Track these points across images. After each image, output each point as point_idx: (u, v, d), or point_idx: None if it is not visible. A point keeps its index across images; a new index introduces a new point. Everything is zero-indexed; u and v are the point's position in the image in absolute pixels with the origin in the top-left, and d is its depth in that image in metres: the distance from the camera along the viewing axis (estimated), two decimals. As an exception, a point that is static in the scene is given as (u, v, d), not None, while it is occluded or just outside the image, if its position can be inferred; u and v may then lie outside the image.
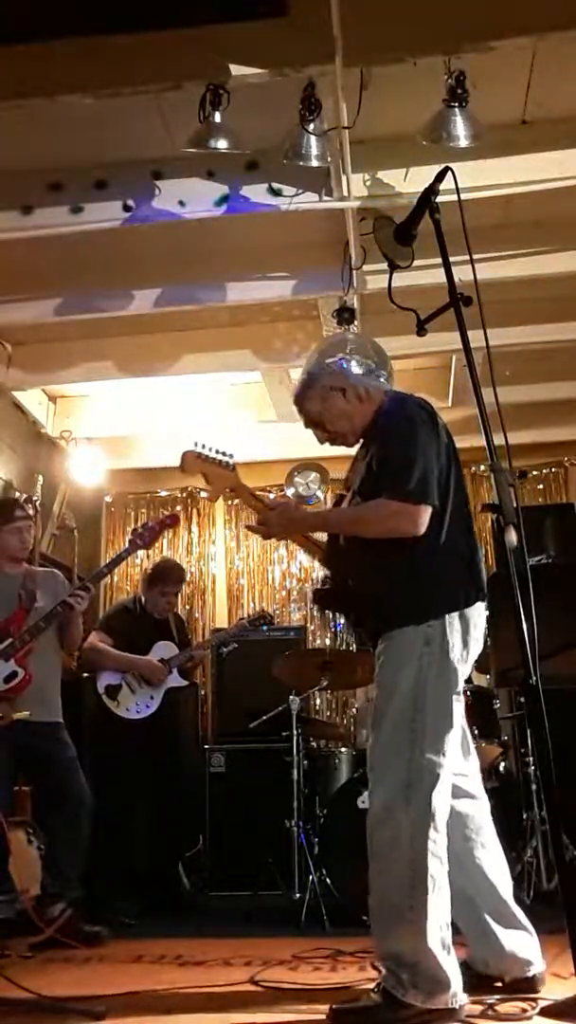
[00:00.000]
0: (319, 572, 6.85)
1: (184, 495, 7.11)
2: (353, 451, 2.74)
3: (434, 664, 2.35)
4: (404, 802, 2.28)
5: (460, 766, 2.52)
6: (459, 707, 2.41)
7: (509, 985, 2.45)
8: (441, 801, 2.31)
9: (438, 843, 2.28)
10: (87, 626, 4.40)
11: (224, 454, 2.71)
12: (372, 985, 2.35)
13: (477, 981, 2.41)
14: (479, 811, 2.59)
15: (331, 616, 6.79)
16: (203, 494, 7.03)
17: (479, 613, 2.47)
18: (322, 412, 2.64)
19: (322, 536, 2.75)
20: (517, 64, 3.52)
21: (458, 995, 2.22)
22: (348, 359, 2.65)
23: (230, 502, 7.09)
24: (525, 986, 2.43)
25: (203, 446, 2.71)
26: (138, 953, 3.40)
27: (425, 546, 2.40)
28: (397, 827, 2.28)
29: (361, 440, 2.68)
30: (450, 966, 2.23)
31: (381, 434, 2.53)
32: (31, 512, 4.36)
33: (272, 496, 3.18)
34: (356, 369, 2.63)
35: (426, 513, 2.37)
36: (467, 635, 2.41)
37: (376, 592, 2.49)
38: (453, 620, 2.39)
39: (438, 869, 2.26)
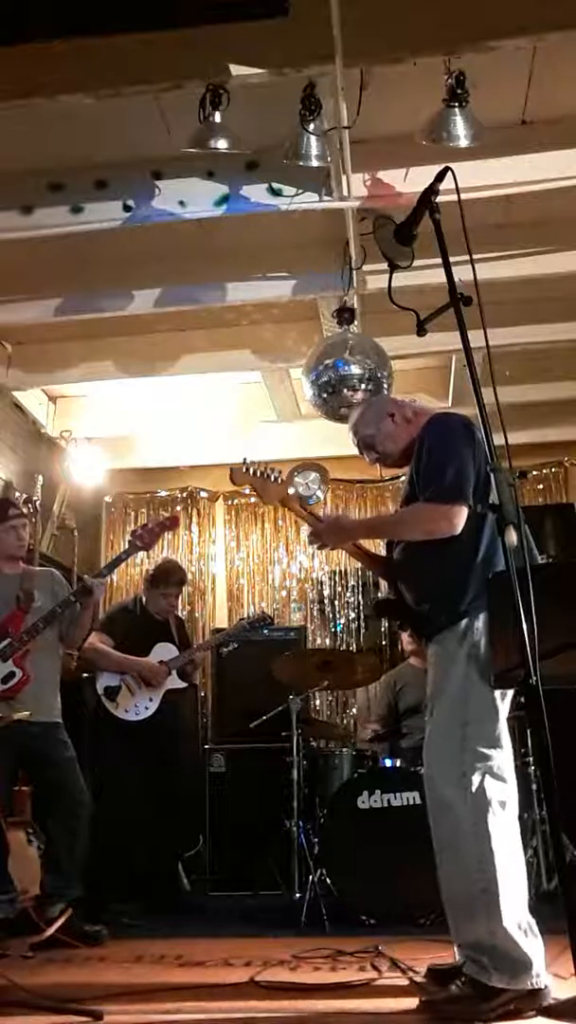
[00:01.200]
0: (319, 573, 6.86)
1: (184, 495, 7.10)
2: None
3: (477, 662, 2.47)
4: (461, 792, 2.38)
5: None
6: (506, 700, 2.52)
7: None
8: (496, 790, 2.39)
9: (499, 827, 2.36)
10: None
11: (273, 471, 2.89)
12: (458, 979, 2.38)
13: None
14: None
15: (331, 616, 6.81)
16: (203, 494, 7.04)
17: None
18: (375, 435, 2.85)
19: (374, 547, 2.99)
20: (517, 64, 3.52)
21: (541, 975, 2.28)
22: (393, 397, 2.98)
23: (230, 501, 7.10)
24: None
25: (252, 463, 2.88)
26: (138, 953, 3.40)
27: (465, 547, 2.53)
28: (456, 818, 2.38)
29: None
30: (530, 947, 2.29)
31: (420, 448, 2.69)
32: (25, 510, 4.35)
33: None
34: (401, 399, 2.93)
35: (461, 512, 2.50)
36: None
37: (425, 595, 2.65)
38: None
39: (505, 852, 2.34)
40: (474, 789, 2.38)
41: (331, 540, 2.82)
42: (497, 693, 2.48)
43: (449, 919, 2.44)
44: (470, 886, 2.33)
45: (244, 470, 2.85)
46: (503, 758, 2.47)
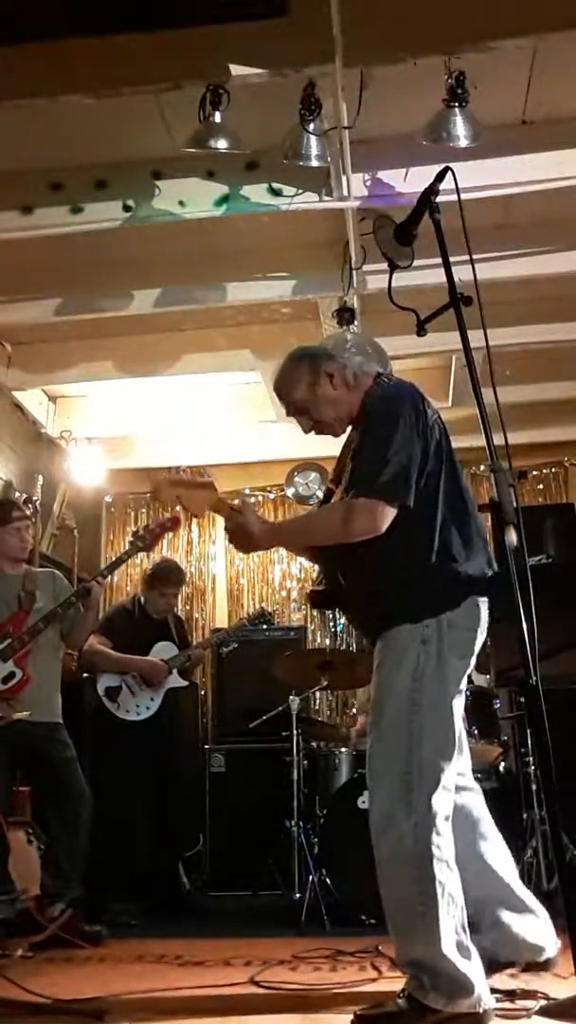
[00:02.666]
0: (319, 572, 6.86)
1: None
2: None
3: (431, 663, 2.29)
4: (405, 808, 2.23)
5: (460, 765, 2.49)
6: (459, 706, 2.36)
7: (524, 970, 2.47)
8: (443, 803, 2.26)
9: (442, 848, 2.23)
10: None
11: (202, 475, 2.55)
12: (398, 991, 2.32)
13: (491, 968, 2.37)
14: (475, 802, 2.57)
15: (331, 616, 6.80)
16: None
17: (479, 609, 2.40)
18: (308, 399, 2.53)
19: None
20: (517, 64, 3.53)
21: (483, 1000, 2.17)
22: (339, 348, 2.57)
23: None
24: (539, 970, 2.46)
25: (178, 470, 2.56)
26: (138, 953, 3.40)
27: (416, 543, 2.34)
28: (399, 834, 2.23)
29: (350, 428, 2.58)
30: (471, 970, 2.18)
31: (364, 423, 2.45)
32: (28, 512, 4.35)
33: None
34: (344, 353, 2.54)
35: (388, 512, 2.29)
36: (467, 632, 2.37)
37: (370, 591, 2.42)
38: (450, 618, 2.33)
39: (446, 874, 2.22)
40: (419, 804, 2.22)
41: (239, 547, 2.49)
42: (455, 698, 2.32)
43: (390, 931, 2.30)
44: (410, 906, 2.21)
45: (170, 480, 2.51)
46: (455, 767, 2.33)
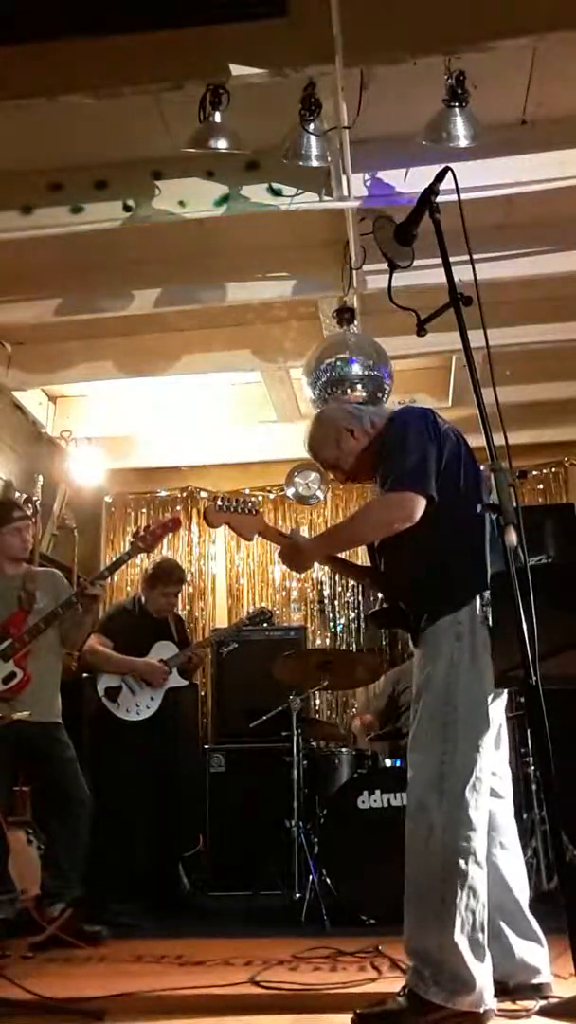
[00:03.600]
0: (319, 573, 6.86)
1: (184, 495, 7.10)
2: None
3: (464, 657, 2.38)
4: (437, 796, 2.30)
5: (494, 764, 2.51)
6: (498, 703, 2.45)
7: (513, 988, 2.42)
8: (477, 798, 2.30)
9: (473, 841, 2.27)
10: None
11: (247, 503, 2.78)
12: (398, 989, 2.32)
13: None
14: (503, 811, 2.57)
15: (331, 616, 6.81)
16: (202, 494, 7.04)
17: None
18: (337, 455, 2.72)
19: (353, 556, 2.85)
20: (517, 64, 3.53)
21: (485, 1000, 2.18)
22: (347, 403, 2.86)
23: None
24: (530, 993, 2.41)
25: (224, 499, 2.78)
26: (138, 953, 3.40)
27: (443, 540, 2.44)
28: (430, 822, 2.29)
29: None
30: (479, 969, 2.19)
31: (379, 447, 2.61)
32: (29, 512, 4.35)
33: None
34: (357, 407, 2.80)
35: (417, 500, 2.40)
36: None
37: (407, 595, 2.56)
38: (482, 610, 2.40)
39: (473, 868, 2.25)
40: (451, 795, 2.29)
41: (293, 566, 2.75)
42: (489, 694, 2.39)
43: (405, 920, 2.34)
44: (430, 893, 2.25)
45: (218, 509, 2.74)
46: (489, 764, 2.38)
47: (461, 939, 2.19)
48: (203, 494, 7.07)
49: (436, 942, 2.21)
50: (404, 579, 2.56)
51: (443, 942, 2.19)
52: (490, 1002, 2.20)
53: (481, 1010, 2.17)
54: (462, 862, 2.24)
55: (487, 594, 2.44)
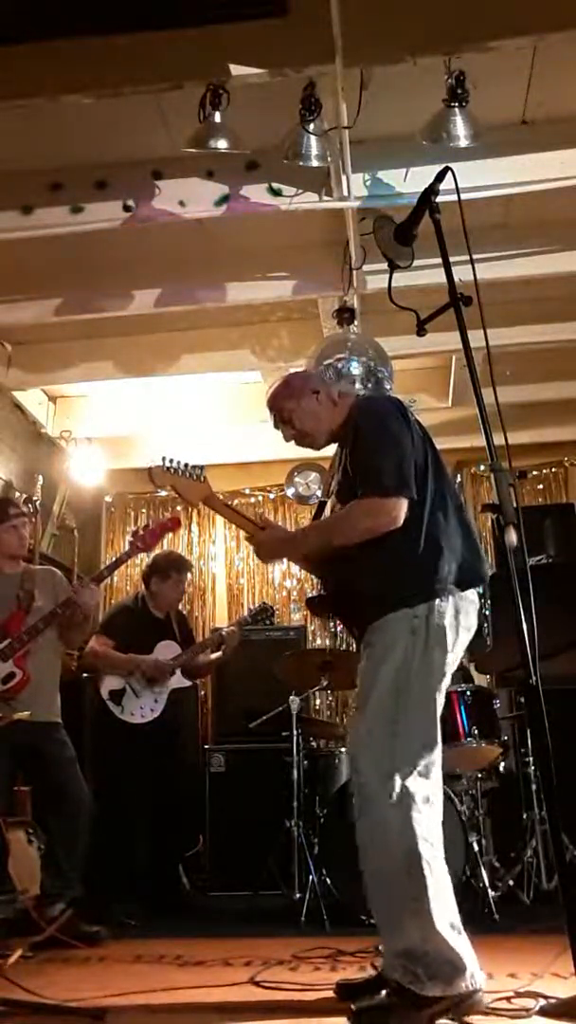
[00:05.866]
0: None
1: (184, 495, 7.10)
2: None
3: (417, 654, 2.35)
4: (385, 793, 2.27)
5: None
6: (441, 699, 2.41)
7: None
8: (422, 786, 2.30)
9: (424, 825, 2.26)
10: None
11: (194, 468, 2.74)
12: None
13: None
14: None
15: (331, 616, 6.80)
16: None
17: (469, 600, 2.45)
18: (293, 410, 2.71)
19: None
20: (517, 64, 3.53)
21: (475, 975, 2.20)
22: (331, 367, 2.80)
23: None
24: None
25: (171, 461, 2.73)
26: (138, 953, 3.40)
27: (405, 534, 2.40)
28: (382, 818, 2.27)
29: (336, 445, 2.74)
30: (462, 947, 2.21)
31: (353, 436, 2.56)
32: (26, 510, 4.35)
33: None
34: (332, 376, 2.78)
35: (402, 505, 2.39)
36: (455, 621, 2.39)
37: (361, 582, 2.49)
38: (439, 607, 2.37)
39: (430, 851, 2.25)
40: (399, 788, 2.27)
41: (266, 556, 2.73)
42: (437, 691, 2.37)
43: (378, 925, 2.32)
44: (399, 893, 2.23)
45: (164, 469, 2.71)
46: (434, 755, 2.36)
47: (443, 925, 2.20)
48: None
49: (419, 936, 2.20)
50: (365, 568, 2.47)
51: (426, 934, 2.20)
52: (480, 977, 2.21)
53: (476, 986, 2.19)
54: (422, 850, 2.23)
55: (467, 593, 2.43)
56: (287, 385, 2.76)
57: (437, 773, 2.37)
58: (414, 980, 2.19)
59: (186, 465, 2.72)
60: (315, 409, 2.68)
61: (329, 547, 2.55)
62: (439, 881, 2.24)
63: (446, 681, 2.40)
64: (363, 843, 2.33)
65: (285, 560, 6.89)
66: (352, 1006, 2.27)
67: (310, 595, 2.76)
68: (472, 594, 2.46)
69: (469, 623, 2.44)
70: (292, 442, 2.79)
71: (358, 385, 2.77)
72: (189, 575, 5.17)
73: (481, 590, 2.55)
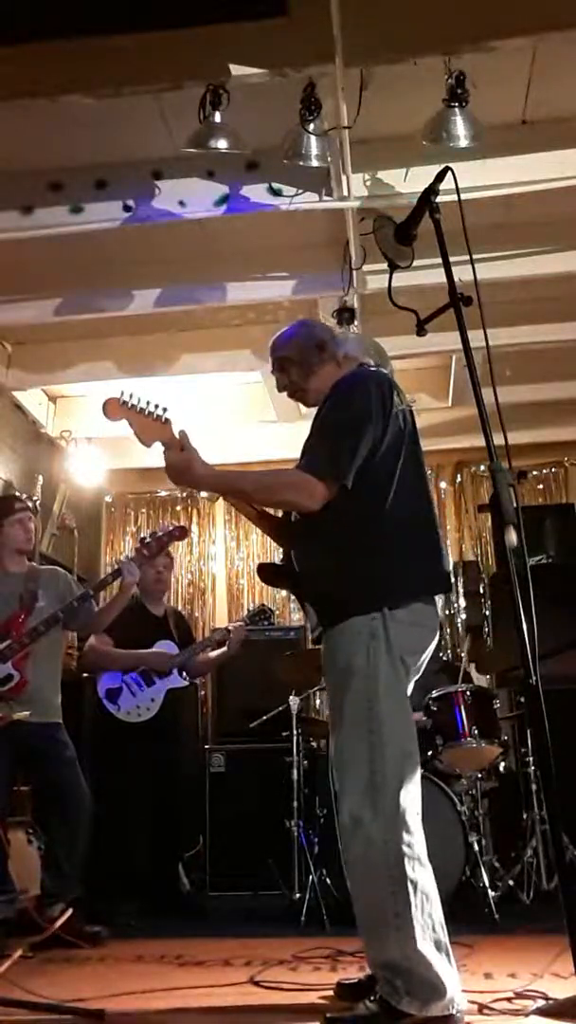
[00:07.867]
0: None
1: (184, 495, 7.11)
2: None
3: (382, 659, 2.28)
4: (371, 809, 2.21)
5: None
6: (409, 694, 2.36)
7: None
8: (410, 800, 2.23)
9: (412, 846, 2.20)
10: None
11: (157, 407, 2.51)
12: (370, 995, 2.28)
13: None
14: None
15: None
16: (203, 494, 7.03)
17: (432, 601, 2.40)
18: (293, 358, 2.63)
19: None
20: (517, 64, 3.53)
21: (455, 1001, 2.14)
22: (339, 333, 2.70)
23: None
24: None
25: (130, 395, 2.49)
26: (138, 953, 3.40)
27: (367, 533, 2.35)
28: (368, 836, 2.21)
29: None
30: (445, 970, 2.15)
31: (323, 406, 2.51)
32: (29, 504, 4.35)
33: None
34: (340, 336, 2.71)
35: (327, 492, 2.31)
36: (416, 628, 2.35)
37: (323, 583, 2.44)
38: (398, 613, 2.31)
39: (418, 872, 2.19)
40: (386, 804, 2.20)
41: (177, 478, 2.44)
42: (407, 691, 2.32)
43: (362, 936, 2.27)
44: (382, 910, 2.17)
45: (121, 403, 2.47)
46: (415, 759, 2.30)
47: (425, 945, 2.14)
48: (203, 494, 7.06)
49: (401, 953, 2.15)
50: (315, 568, 2.45)
51: (407, 953, 2.14)
52: (461, 1003, 2.16)
53: (454, 1011, 2.14)
54: (407, 870, 2.17)
55: (430, 595, 2.39)
56: (291, 337, 2.67)
57: (418, 777, 2.31)
58: (392, 992, 2.16)
59: (147, 403, 2.49)
60: (314, 364, 2.61)
61: (245, 497, 2.54)
62: (425, 901, 2.18)
63: (411, 686, 2.36)
64: (348, 861, 2.29)
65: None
66: (326, 1015, 2.24)
67: (262, 562, 2.58)
68: (431, 606, 2.40)
69: (432, 623, 2.40)
70: (284, 392, 2.70)
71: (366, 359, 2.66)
72: (173, 561, 5.06)
73: (443, 592, 2.49)
